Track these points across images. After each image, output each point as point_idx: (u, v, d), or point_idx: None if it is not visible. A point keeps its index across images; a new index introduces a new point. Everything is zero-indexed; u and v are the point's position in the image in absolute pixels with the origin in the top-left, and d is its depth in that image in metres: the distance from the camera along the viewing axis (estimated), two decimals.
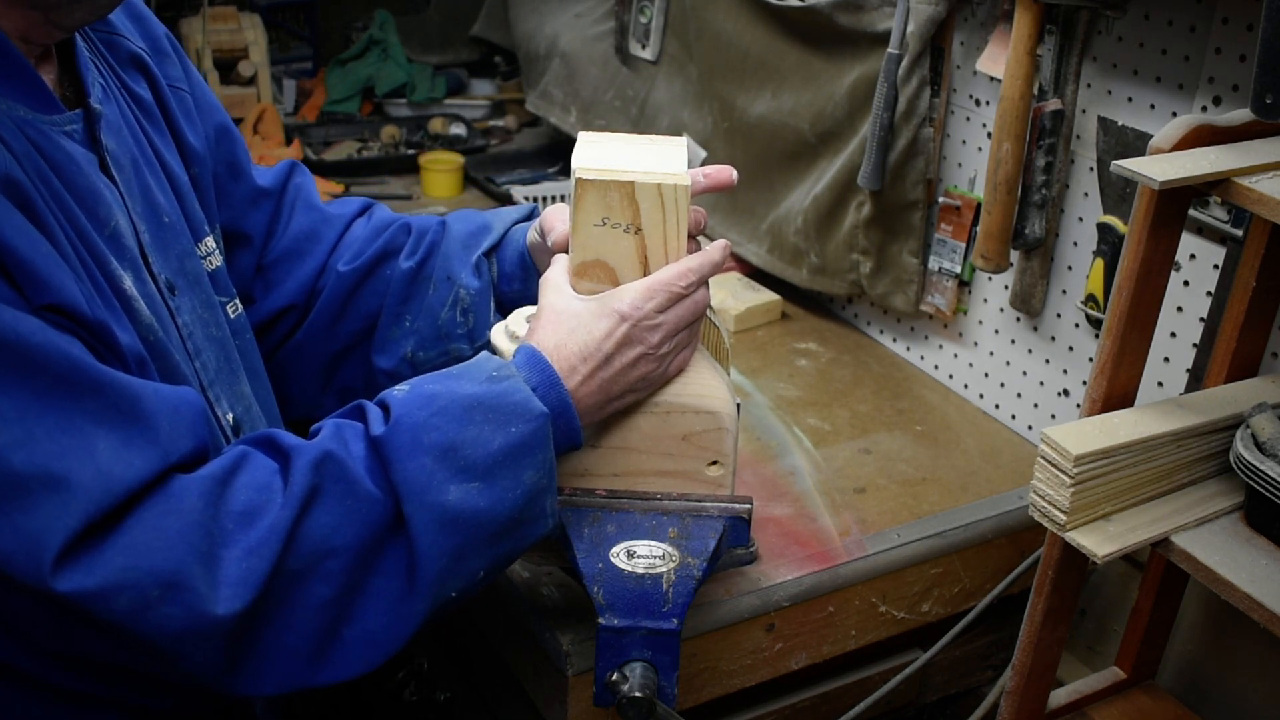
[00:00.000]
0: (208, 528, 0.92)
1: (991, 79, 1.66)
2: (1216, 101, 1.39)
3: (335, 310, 1.36)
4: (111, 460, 0.89)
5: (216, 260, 1.23)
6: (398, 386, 1.03)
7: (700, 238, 1.18)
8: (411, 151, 2.61)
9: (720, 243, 1.15)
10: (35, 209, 0.94)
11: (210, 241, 1.22)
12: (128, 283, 1.04)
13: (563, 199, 2.36)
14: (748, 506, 1.17)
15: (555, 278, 1.13)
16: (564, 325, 1.09)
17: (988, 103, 1.70)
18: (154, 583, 0.89)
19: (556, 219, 1.21)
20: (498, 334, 1.21)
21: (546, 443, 1.04)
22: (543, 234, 1.25)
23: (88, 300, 0.96)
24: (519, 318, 1.21)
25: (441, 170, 2.48)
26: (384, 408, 1.01)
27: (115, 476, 0.89)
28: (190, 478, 0.94)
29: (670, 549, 1.14)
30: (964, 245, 1.76)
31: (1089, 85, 1.54)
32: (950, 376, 1.86)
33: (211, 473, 0.95)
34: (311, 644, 0.96)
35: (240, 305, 1.28)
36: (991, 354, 1.78)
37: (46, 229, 0.95)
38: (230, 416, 1.20)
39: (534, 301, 1.17)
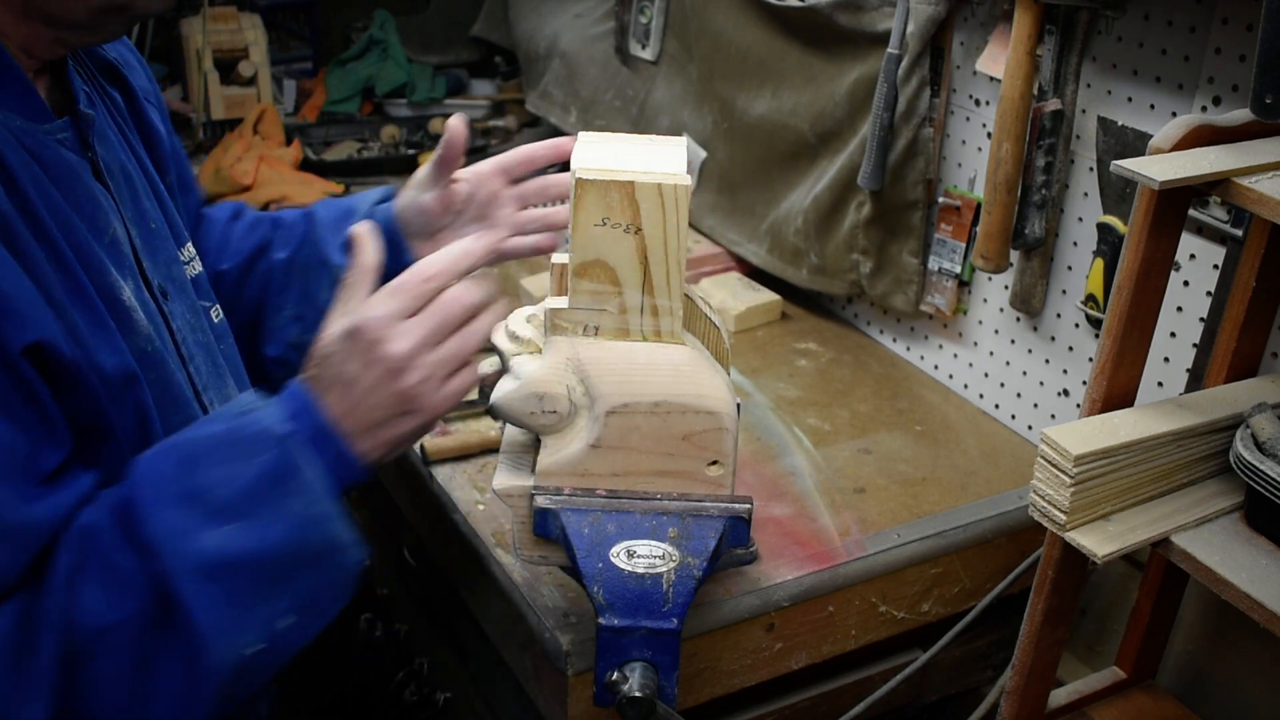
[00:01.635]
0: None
1: (991, 79, 1.66)
2: (1216, 101, 1.39)
3: (224, 309, 1.33)
4: None
5: (197, 266, 1.23)
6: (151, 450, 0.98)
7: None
8: (411, 151, 2.61)
9: (478, 235, 1.10)
10: (19, 236, 0.92)
11: (190, 248, 1.22)
12: (126, 293, 1.03)
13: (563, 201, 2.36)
14: (748, 506, 1.17)
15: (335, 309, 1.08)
16: (320, 353, 1.04)
17: (988, 103, 1.70)
18: None
19: (362, 247, 1.13)
20: (497, 334, 1.21)
21: (302, 468, 0.96)
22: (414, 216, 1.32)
23: (70, 332, 0.94)
24: (519, 317, 1.21)
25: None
26: (130, 467, 0.96)
27: None
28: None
29: (670, 549, 1.14)
30: (964, 245, 1.76)
31: (1089, 85, 1.54)
32: (950, 376, 1.86)
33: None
34: None
35: (220, 313, 1.26)
36: (991, 354, 1.79)
37: (33, 257, 0.93)
38: None
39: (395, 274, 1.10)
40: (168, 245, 1.16)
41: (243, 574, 0.93)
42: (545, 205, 1.44)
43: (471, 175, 1.39)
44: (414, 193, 1.38)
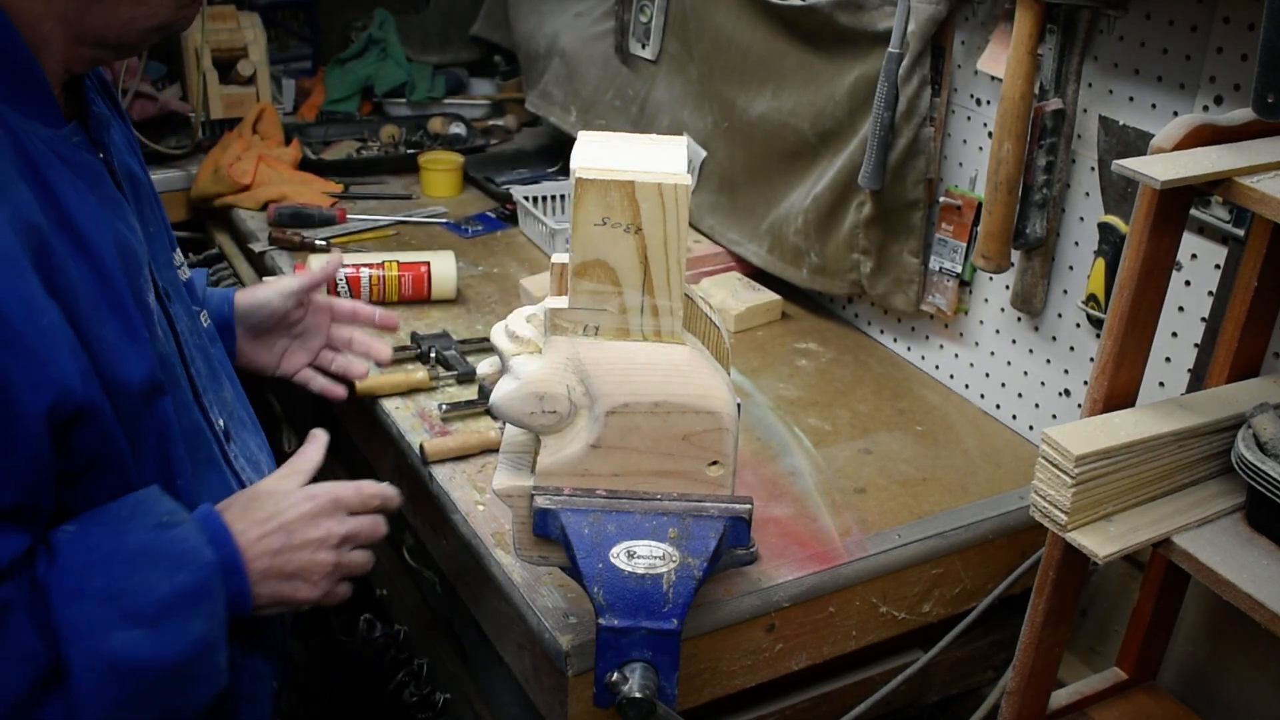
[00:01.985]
0: None
1: (992, 78, 1.66)
2: (1218, 101, 1.39)
3: None
4: None
5: (186, 272, 1.26)
6: (66, 525, 1.00)
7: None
8: (411, 151, 2.61)
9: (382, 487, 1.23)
10: (55, 253, 0.94)
11: (178, 254, 1.25)
12: (150, 296, 1.06)
13: (562, 199, 2.36)
14: (748, 506, 1.17)
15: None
16: (258, 496, 1.13)
17: (988, 102, 1.70)
18: None
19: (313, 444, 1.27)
20: (497, 333, 1.21)
21: (216, 594, 1.03)
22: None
23: (93, 359, 0.97)
24: (519, 317, 1.21)
25: (441, 170, 2.48)
26: (50, 548, 0.97)
27: None
28: None
29: (670, 549, 1.14)
30: (965, 245, 1.76)
31: (1090, 85, 1.54)
32: (951, 376, 1.86)
33: None
34: None
35: (209, 318, 1.30)
36: (992, 354, 1.78)
37: (71, 274, 0.95)
38: (221, 423, 1.21)
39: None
40: (165, 249, 1.18)
41: (138, 680, 0.96)
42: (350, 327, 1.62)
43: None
44: (272, 295, 1.49)
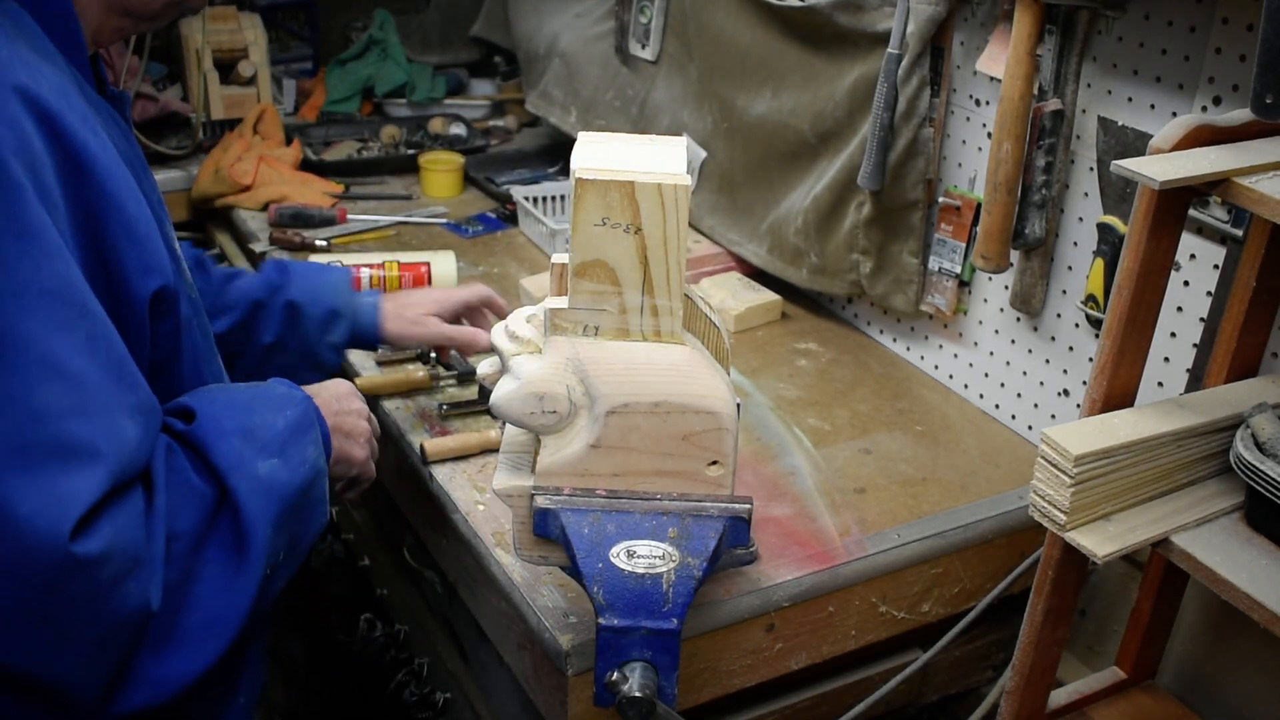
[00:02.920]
0: (143, 523, 1.00)
1: (991, 79, 1.66)
2: (1216, 101, 1.39)
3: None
4: (135, 442, 0.99)
5: (187, 258, 1.34)
6: (178, 399, 1.13)
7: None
8: (411, 151, 2.61)
9: None
10: (139, 178, 1.07)
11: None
12: (175, 242, 1.18)
13: (562, 199, 2.36)
14: (748, 506, 1.17)
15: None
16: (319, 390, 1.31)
17: (988, 103, 1.70)
18: (128, 559, 0.96)
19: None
20: (497, 333, 1.21)
21: (315, 423, 1.19)
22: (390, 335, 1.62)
23: (171, 265, 1.09)
24: (519, 317, 1.21)
25: (441, 170, 2.48)
26: (180, 412, 1.11)
27: (135, 457, 0.99)
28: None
29: (670, 549, 1.14)
30: (964, 245, 1.76)
31: (1089, 85, 1.54)
32: (950, 376, 1.86)
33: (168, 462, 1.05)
34: (158, 635, 1.02)
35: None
36: (991, 354, 1.78)
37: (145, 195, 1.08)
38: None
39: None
40: (171, 230, 1.24)
41: (284, 501, 1.10)
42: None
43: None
44: (423, 334, 1.65)
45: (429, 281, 1.99)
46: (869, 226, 1.82)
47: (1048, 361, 1.69)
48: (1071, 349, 1.65)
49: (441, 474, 1.55)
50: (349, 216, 2.31)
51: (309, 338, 1.59)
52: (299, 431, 1.15)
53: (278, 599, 1.16)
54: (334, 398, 1.31)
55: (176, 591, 1.02)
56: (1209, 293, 1.43)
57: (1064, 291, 1.64)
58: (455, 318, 1.67)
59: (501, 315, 1.67)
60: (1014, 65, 1.51)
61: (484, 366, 1.28)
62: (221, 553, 1.05)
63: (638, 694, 1.10)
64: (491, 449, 1.59)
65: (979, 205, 1.69)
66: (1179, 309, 1.47)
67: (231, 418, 1.10)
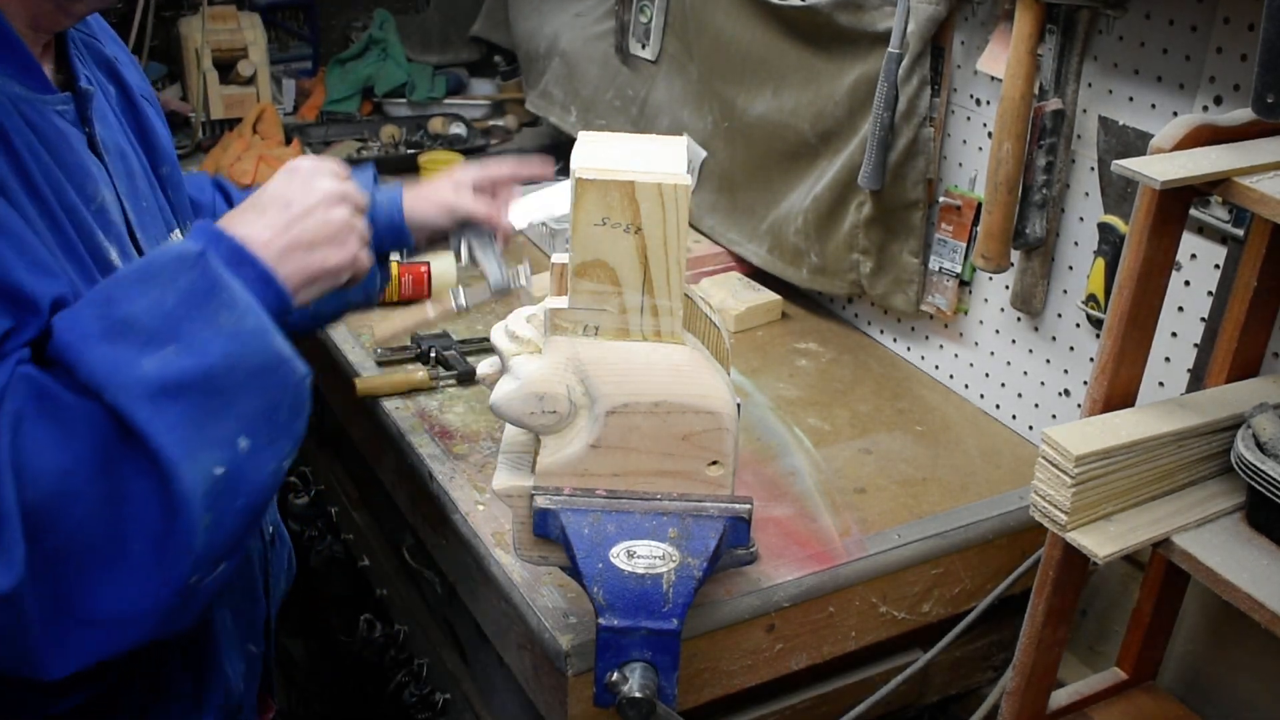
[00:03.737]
0: None
1: (992, 78, 1.66)
2: (1217, 101, 1.39)
3: None
4: None
5: None
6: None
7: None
8: (411, 151, 2.61)
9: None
10: (15, 194, 0.95)
11: (177, 235, 1.24)
12: (113, 254, 1.06)
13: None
14: (748, 506, 1.17)
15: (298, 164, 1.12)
16: (242, 203, 1.09)
17: (988, 102, 1.70)
18: None
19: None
20: (497, 334, 1.21)
21: (225, 285, 0.97)
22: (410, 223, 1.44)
23: (71, 286, 0.98)
24: (519, 317, 1.21)
25: (441, 170, 2.47)
26: (47, 333, 0.95)
27: None
28: None
29: (670, 549, 1.14)
30: (964, 245, 1.76)
31: (1090, 85, 1.54)
32: (951, 376, 1.86)
33: None
34: (105, 574, 0.90)
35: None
36: (992, 354, 1.78)
37: (29, 215, 0.96)
38: None
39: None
40: (159, 226, 1.19)
41: (189, 393, 0.93)
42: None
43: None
44: (437, 216, 1.48)
45: (429, 281, 1.99)
46: (869, 226, 1.82)
47: (1048, 361, 1.69)
48: (1072, 349, 1.65)
49: (442, 474, 1.55)
50: None
51: None
52: (196, 302, 0.95)
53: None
54: (275, 204, 1.06)
55: (102, 517, 0.90)
56: (1210, 292, 1.43)
57: (1065, 291, 1.64)
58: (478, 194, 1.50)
59: (530, 180, 1.53)
60: (1014, 65, 1.51)
61: (484, 366, 1.28)
62: (132, 469, 0.91)
63: (638, 694, 1.10)
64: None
65: (979, 205, 1.69)
66: (1180, 309, 1.47)
67: (98, 317, 0.93)
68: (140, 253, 1.12)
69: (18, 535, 0.86)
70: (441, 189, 1.49)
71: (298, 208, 1.06)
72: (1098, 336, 1.41)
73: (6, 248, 0.92)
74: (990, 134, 1.69)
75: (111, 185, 1.10)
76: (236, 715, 1.24)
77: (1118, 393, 1.22)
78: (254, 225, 1.04)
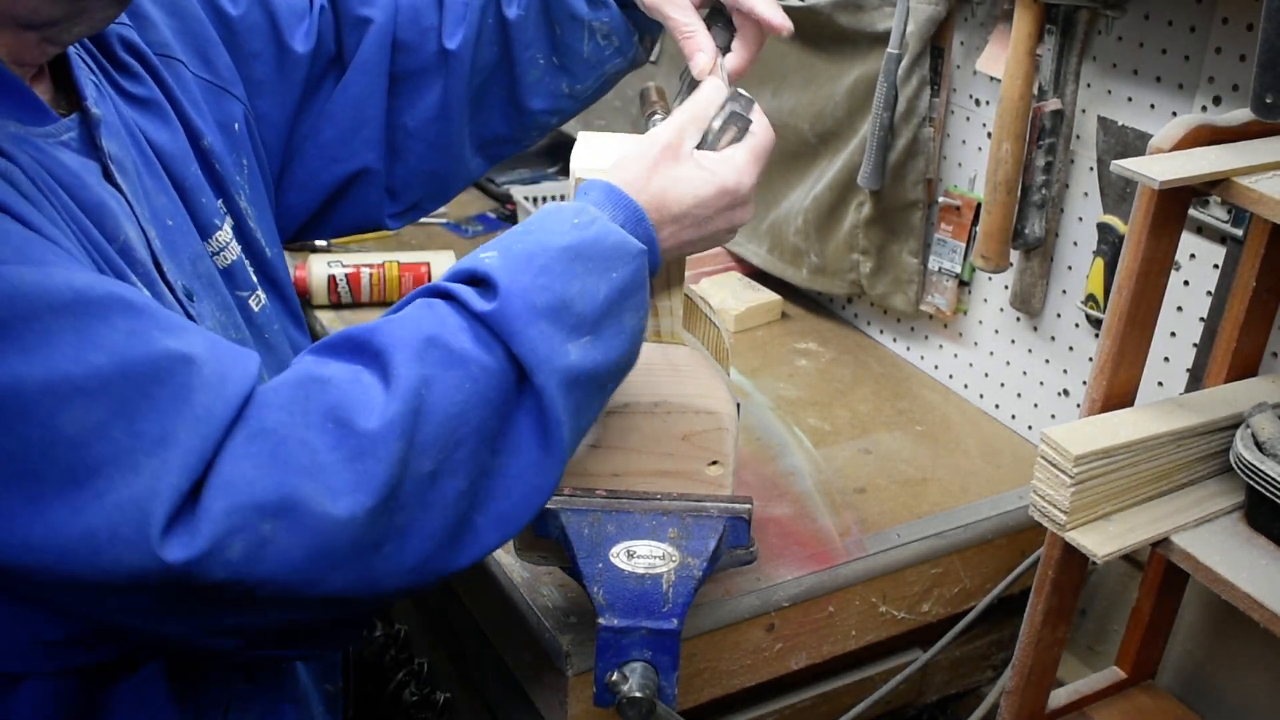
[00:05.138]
0: (301, 438, 0.84)
1: (991, 79, 1.66)
2: (1216, 101, 1.39)
3: (462, 89, 1.33)
4: (204, 408, 0.82)
5: (232, 254, 1.17)
6: (482, 253, 0.96)
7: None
8: None
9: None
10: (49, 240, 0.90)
11: (223, 235, 1.17)
12: (144, 294, 0.97)
13: (562, 199, 2.36)
14: (748, 506, 1.17)
15: (669, 137, 1.06)
16: (669, 174, 1.04)
17: (988, 103, 1.70)
18: (263, 516, 0.82)
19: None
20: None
21: (645, 283, 0.99)
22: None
23: None
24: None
25: None
26: (479, 280, 0.94)
27: (212, 419, 0.82)
28: (262, 392, 0.86)
29: (670, 549, 1.14)
30: (964, 245, 1.76)
31: (1089, 85, 1.54)
32: (950, 376, 1.86)
33: (285, 381, 0.87)
34: (442, 539, 0.90)
35: (264, 297, 1.23)
36: (991, 354, 1.78)
37: (76, 246, 0.92)
38: None
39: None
40: (189, 241, 1.11)
41: (592, 384, 0.96)
42: None
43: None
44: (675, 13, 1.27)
45: (429, 281, 1.99)
46: (869, 226, 1.82)
47: (1048, 361, 1.69)
48: (1071, 349, 1.65)
49: None
50: None
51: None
52: (622, 299, 0.96)
53: None
54: (698, 220, 1.04)
55: (469, 494, 0.90)
56: (1209, 292, 1.43)
57: (1064, 291, 1.64)
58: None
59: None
60: (1014, 65, 1.51)
61: None
62: (525, 447, 0.93)
63: (638, 694, 1.10)
64: None
65: (979, 205, 1.69)
66: (1179, 309, 1.47)
67: (544, 289, 0.92)
68: (168, 283, 1.04)
69: (376, 488, 0.85)
70: None
71: (709, 229, 1.06)
72: (1097, 336, 1.41)
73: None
74: (989, 134, 1.69)
75: (133, 216, 1.03)
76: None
77: (1117, 393, 1.22)
78: (668, 228, 1.04)
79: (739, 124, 1.08)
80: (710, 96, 1.09)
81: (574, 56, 1.32)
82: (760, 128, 1.09)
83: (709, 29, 1.23)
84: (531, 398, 0.92)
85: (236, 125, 1.23)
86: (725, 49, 1.24)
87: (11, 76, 0.95)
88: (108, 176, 1.01)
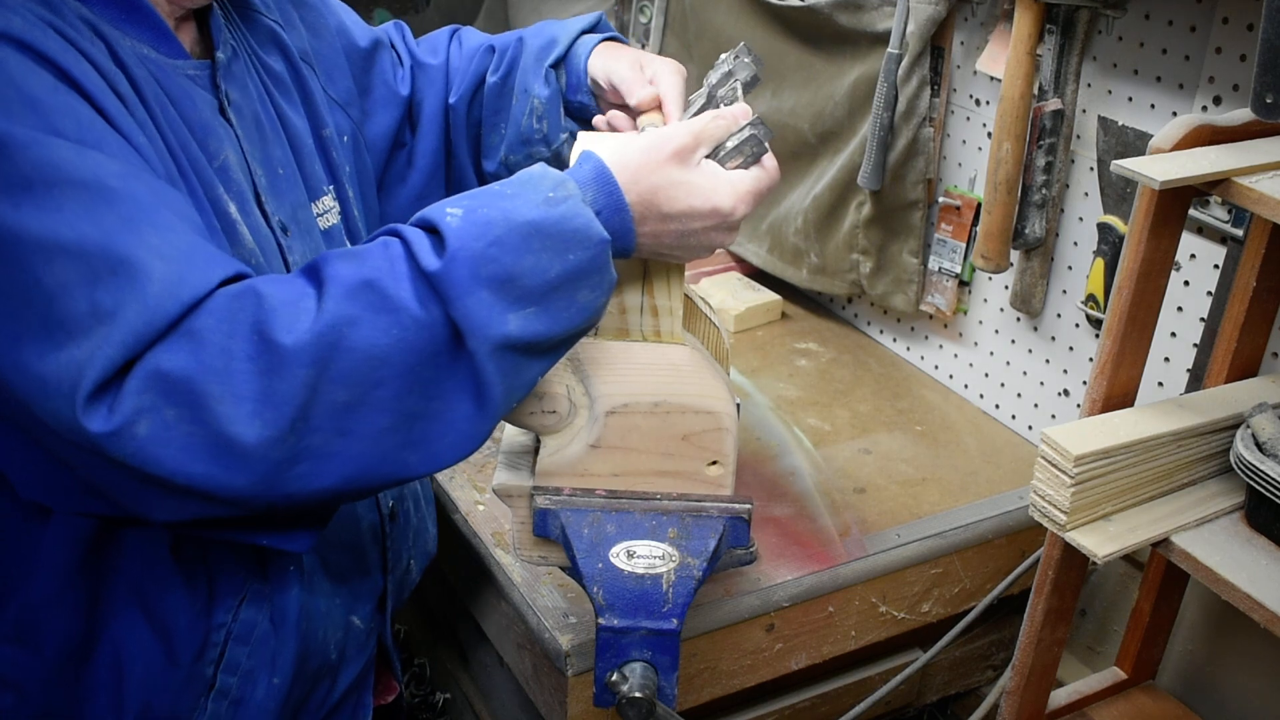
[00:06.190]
0: (223, 344, 0.89)
1: (991, 79, 1.66)
2: (1217, 101, 1.39)
3: (459, 136, 1.47)
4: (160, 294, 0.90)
5: (333, 219, 1.27)
6: (450, 206, 0.98)
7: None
8: None
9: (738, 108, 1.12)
10: (141, 143, 1.00)
11: (327, 200, 1.27)
12: (233, 209, 1.10)
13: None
14: (748, 506, 1.17)
15: (684, 140, 1.06)
16: (670, 175, 1.04)
17: (988, 102, 1.70)
18: (168, 402, 0.88)
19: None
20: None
21: (605, 266, 1.00)
22: (604, 82, 1.33)
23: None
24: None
25: None
26: (435, 233, 0.97)
27: (158, 310, 0.89)
28: (213, 298, 0.92)
29: (670, 549, 1.14)
30: (964, 245, 1.76)
31: (1089, 85, 1.54)
32: (950, 376, 1.86)
33: (230, 291, 0.92)
34: (369, 464, 0.95)
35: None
36: (991, 354, 1.78)
37: (169, 153, 1.04)
38: None
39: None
40: (295, 190, 1.21)
41: (531, 350, 0.98)
42: None
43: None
44: (624, 69, 1.34)
45: None
46: (869, 226, 1.82)
47: (1048, 361, 1.69)
48: (1071, 349, 1.65)
49: (442, 474, 1.55)
50: None
51: (525, 71, 1.41)
52: (576, 279, 0.98)
53: None
54: (684, 221, 1.04)
55: (397, 430, 0.94)
56: (1209, 292, 1.43)
57: (1064, 291, 1.64)
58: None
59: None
60: (1014, 65, 1.51)
61: None
62: (457, 399, 0.96)
63: (638, 694, 1.10)
64: None
65: (979, 205, 1.69)
66: (1179, 309, 1.47)
67: (492, 260, 0.94)
68: (265, 214, 1.14)
69: (281, 406, 0.90)
70: (635, 61, 1.35)
71: (690, 240, 1.07)
72: (1097, 336, 1.41)
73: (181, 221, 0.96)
74: (990, 134, 1.69)
75: (239, 148, 1.13)
76: (324, 680, 1.24)
77: (1117, 393, 1.22)
78: (651, 225, 1.05)
79: (754, 149, 1.08)
80: (736, 115, 1.10)
81: (515, 128, 1.42)
82: (772, 166, 1.10)
83: (735, 58, 1.23)
84: (465, 359, 0.96)
85: (345, 138, 1.35)
86: (751, 81, 1.23)
87: (154, 14, 1.08)
88: (222, 112, 1.14)
